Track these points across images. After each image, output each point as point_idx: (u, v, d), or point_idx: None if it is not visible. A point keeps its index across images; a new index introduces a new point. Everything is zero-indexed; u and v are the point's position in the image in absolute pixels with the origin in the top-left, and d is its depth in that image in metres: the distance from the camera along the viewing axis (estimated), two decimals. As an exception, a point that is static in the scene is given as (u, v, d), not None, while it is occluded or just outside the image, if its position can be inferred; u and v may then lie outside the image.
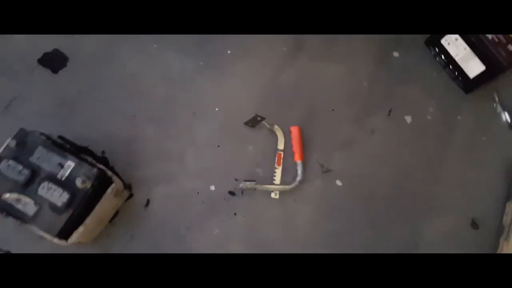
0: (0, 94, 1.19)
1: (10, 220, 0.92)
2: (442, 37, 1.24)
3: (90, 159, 1.01)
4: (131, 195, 1.14)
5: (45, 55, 1.24)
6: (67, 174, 0.95)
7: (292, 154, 1.18)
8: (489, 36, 1.12)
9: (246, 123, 1.19)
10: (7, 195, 0.93)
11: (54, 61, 1.24)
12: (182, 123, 1.20)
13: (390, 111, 1.25)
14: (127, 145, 1.17)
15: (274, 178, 1.16)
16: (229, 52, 1.27)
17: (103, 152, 1.14)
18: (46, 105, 1.19)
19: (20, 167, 0.94)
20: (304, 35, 1.30)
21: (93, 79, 1.22)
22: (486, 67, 1.16)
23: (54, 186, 0.93)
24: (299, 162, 1.16)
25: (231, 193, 1.15)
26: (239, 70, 1.25)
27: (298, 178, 1.15)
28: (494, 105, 1.28)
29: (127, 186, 1.12)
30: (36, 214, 0.92)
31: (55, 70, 1.23)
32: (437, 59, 1.30)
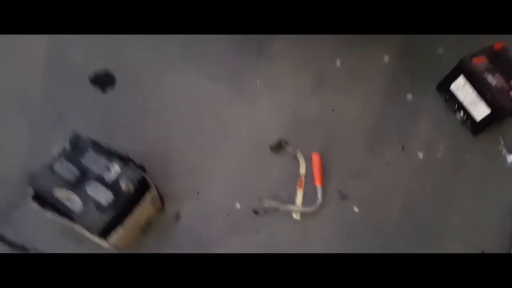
0: (53, 107, 1.33)
1: (56, 220, 1.02)
2: (452, 83, 1.39)
3: (133, 166, 1.12)
4: (163, 208, 1.23)
5: (96, 75, 1.40)
6: (113, 176, 1.06)
7: (313, 179, 1.28)
8: (493, 82, 1.27)
9: (271, 148, 1.31)
10: (58, 192, 1.03)
11: (103, 81, 1.39)
12: (213, 144, 1.32)
13: (403, 147, 1.37)
14: (161, 160, 1.28)
15: (296, 200, 1.25)
16: (258, 82, 1.42)
17: (142, 166, 1.25)
18: (93, 120, 1.32)
19: (72, 167, 1.05)
20: (327, 73, 1.46)
21: (137, 100, 1.37)
22: (491, 111, 1.30)
23: (100, 187, 1.04)
24: (319, 186, 1.26)
25: (255, 211, 1.24)
26: (267, 100, 1.40)
27: (318, 201, 1.24)
28: (500, 147, 1.40)
29: (161, 198, 1.22)
30: (82, 212, 1.01)
31: (104, 89, 1.38)
32: (447, 103, 1.44)
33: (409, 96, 1.46)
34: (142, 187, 1.09)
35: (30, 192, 1.05)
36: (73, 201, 1.03)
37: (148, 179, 1.12)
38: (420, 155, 1.37)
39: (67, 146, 1.08)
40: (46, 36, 1.46)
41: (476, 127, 1.38)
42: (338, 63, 1.50)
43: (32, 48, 1.44)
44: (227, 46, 1.49)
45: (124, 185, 1.04)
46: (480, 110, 1.33)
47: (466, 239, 1.26)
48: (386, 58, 1.53)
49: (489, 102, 1.30)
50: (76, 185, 1.04)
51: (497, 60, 1.32)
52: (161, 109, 1.36)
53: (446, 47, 1.57)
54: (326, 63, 1.50)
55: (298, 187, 1.27)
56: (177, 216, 1.22)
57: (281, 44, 1.51)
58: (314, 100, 1.42)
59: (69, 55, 1.44)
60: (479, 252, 1.24)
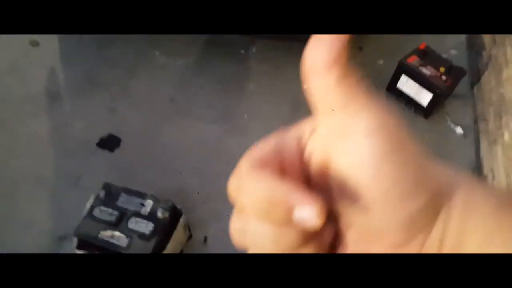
0: (67, 174, 1.48)
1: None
2: (397, 82, 1.73)
3: (162, 199, 1.29)
4: (190, 236, 1.38)
5: (101, 139, 1.58)
6: (148, 209, 1.22)
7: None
8: (428, 73, 1.63)
9: (271, 163, 1.54)
10: (102, 233, 1.16)
11: (110, 143, 1.57)
12: (219, 174, 1.51)
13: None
14: (178, 196, 1.44)
15: (303, 200, 1.47)
16: (245, 116, 1.68)
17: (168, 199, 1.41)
18: (107, 177, 1.47)
19: (110, 210, 1.20)
20: (300, 98, 1.75)
21: (144, 152, 1.56)
22: (433, 94, 1.64)
23: (140, 220, 1.19)
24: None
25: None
26: (257, 129, 1.65)
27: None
28: (448, 123, 1.73)
29: (188, 226, 1.37)
30: (129, 244, 1.15)
31: (111, 150, 1.56)
32: (399, 99, 1.77)
33: (367, 100, 1.78)
34: (175, 214, 1.26)
35: (74, 243, 1.18)
36: (118, 238, 1.17)
37: (178, 206, 1.29)
38: (390, 142, 1.65)
39: (102, 194, 1.23)
40: (45, 114, 1.64)
41: (426, 111, 1.71)
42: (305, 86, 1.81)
43: (33, 128, 1.60)
44: (210, 91, 1.75)
45: (160, 213, 1.20)
46: (424, 97, 1.67)
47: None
48: (340, 76, 1.87)
49: (429, 88, 1.64)
50: (118, 224, 1.18)
51: (425, 56, 1.69)
52: (166, 154, 1.56)
53: (384, 58, 1.94)
54: (295, 91, 1.80)
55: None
56: (205, 240, 1.38)
57: (256, 83, 1.80)
58: (296, 121, 1.69)
59: (71, 128, 1.62)
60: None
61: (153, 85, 1.78)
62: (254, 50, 1.91)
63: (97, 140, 1.57)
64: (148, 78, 1.80)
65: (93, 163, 1.52)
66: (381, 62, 1.94)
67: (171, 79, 1.81)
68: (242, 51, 1.91)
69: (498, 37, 1.72)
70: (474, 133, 1.68)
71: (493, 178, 1.47)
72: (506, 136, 1.46)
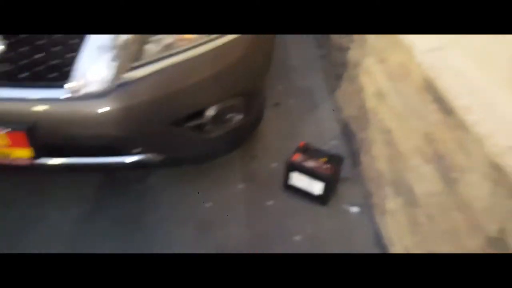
0: None
1: None
2: (289, 180, 1.99)
3: None
4: None
5: None
6: None
7: None
8: (311, 165, 1.91)
9: None
10: None
11: None
12: None
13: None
14: None
15: None
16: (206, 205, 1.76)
17: None
18: None
19: None
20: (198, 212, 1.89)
21: None
22: (323, 183, 1.91)
23: None
24: None
25: None
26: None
27: None
28: (343, 205, 1.98)
29: None
30: None
31: None
32: (296, 194, 2.01)
33: (270, 202, 1.99)
34: None
35: None
36: None
37: None
38: (298, 237, 1.83)
39: None
40: None
41: (321, 199, 1.96)
42: (207, 205, 1.97)
43: None
44: (111, 234, 1.82)
45: None
46: (316, 186, 1.93)
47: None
48: (241, 186, 2.08)
49: (318, 178, 1.91)
50: None
51: (306, 152, 2.00)
52: None
53: (276, 161, 2.22)
54: (199, 212, 1.95)
55: None
56: None
57: (157, 214, 1.92)
58: (203, 241, 1.80)
59: None
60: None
61: (47, 248, 1.75)
62: (150, 181, 2.07)
63: None
64: (39, 241, 1.78)
65: None
66: (275, 165, 2.21)
67: (67, 234, 1.82)
68: (138, 186, 2.05)
69: (363, 123, 2.13)
70: (367, 209, 1.95)
71: (392, 244, 1.69)
72: (391, 204, 1.74)
